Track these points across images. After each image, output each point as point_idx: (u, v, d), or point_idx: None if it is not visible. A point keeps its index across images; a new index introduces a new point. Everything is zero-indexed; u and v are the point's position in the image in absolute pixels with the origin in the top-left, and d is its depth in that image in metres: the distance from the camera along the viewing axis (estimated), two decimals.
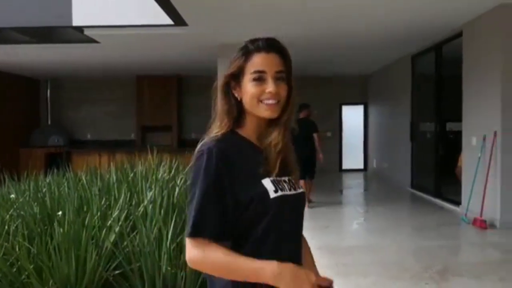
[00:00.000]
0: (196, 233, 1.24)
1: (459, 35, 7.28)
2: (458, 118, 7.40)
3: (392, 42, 8.63)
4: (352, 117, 13.68)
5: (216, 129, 1.35)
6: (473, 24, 6.74)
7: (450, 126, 9.52)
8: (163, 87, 12.90)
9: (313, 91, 13.39)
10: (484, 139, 6.36)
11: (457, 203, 7.30)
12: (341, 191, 10.27)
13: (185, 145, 12.95)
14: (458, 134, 7.63)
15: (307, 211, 1.80)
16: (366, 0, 5.96)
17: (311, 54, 10.11)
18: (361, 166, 13.68)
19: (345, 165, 13.62)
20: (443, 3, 6.06)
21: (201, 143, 1.33)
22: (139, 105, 13.04)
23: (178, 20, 6.52)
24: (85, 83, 13.63)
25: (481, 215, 6.17)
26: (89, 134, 13.86)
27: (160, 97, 12.90)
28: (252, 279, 1.21)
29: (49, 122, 13.35)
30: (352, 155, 13.64)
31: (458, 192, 7.28)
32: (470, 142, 6.85)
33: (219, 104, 1.40)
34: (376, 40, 8.52)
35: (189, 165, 1.35)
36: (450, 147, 8.97)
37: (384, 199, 8.94)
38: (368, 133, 13.59)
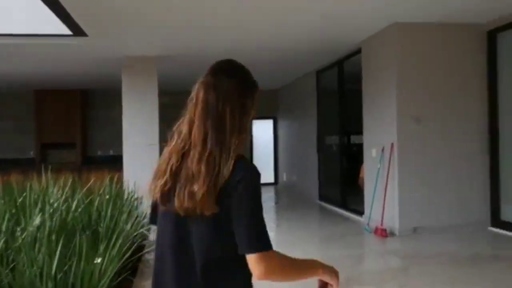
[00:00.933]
0: (270, 246, 1.32)
1: (358, 52, 7.65)
2: (361, 131, 7.74)
3: (297, 58, 8.87)
4: (262, 131, 13.86)
5: (238, 147, 1.41)
6: (370, 41, 7.11)
7: (354, 139, 9.96)
8: (65, 101, 12.19)
9: None
10: (382, 150, 6.68)
11: (361, 213, 7.58)
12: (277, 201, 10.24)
13: (91, 162, 12.32)
14: (361, 147, 7.97)
15: None
16: (270, 18, 6.07)
17: None
18: (272, 180, 13.86)
19: None
20: (343, 22, 6.33)
21: (241, 160, 1.39)
22: (39, 121, 12.19)
23: (77, 30, 6.17)
24: None
25: (381, 224, 6.45)
26: None
27: (63, 112, 12.17)
28: (310, 277, 1.42)
29: None
30: (263, 169, 13.67)
31: (362, 203, 7.57)
32: (371, 153, 7.17)
33: (248, 121, 1.47)
34: (281, 56, 8.71)
35: (239, 178, 1.34)
36: (354, 159, 9.36)
37: (294, 212, 9.08)
38: (278, 147, 13.84)
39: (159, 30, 6.49)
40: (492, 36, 6.50)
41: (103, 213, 4.57)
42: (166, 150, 1.44)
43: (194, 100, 1.42)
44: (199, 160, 1.34)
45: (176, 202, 1.34)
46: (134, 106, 8.09)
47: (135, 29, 6.36)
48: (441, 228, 6.34)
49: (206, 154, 1.35)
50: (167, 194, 1.39)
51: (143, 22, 6.05)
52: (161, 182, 1.40)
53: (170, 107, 12.49)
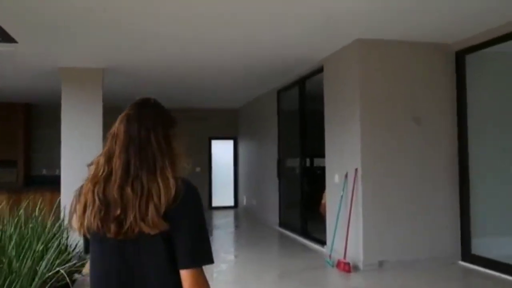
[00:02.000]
0: (212, 261, 1.43)
1: (320, 70, 7.17)
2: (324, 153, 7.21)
3: (257, 75, 8.34)
4: (222, 151, 13.25)
5: (174, 170, 1.48)
6: (332, 59, 6.64)
7: (319, 161, 9.44)
8: (7, 116, 11.22)
9: (180, 124, 12.71)
10: (346, 176, 6.15)
11: (322, 242, 7.01)
12: (211, 232, 9.53)
13: (34, 182, 11.32)
14: (325, 170, 7.44)
15: None
16: (224, 35, 5.54)
17: (174, 85, 9.48)
18: (232, 203, 13.18)
19: (215, 202, 13.01)
20: (303, 39, 5.84)
21: (182, 179, 1.48)
22: None
23: (3, 35, 5.42)
24: None
25: (344, 257, 5.87)
26: None
27: (4, 128, 11.18)
28: None
29: None
30: (222, 192, 13.10)
31: (323, 231, 7.00)
32: (333, 179, 6.64)
33: (179, 147, 1.56)
34: (240, 73, 8.17)
35: (180, 198, 1.40)
36: (316, 183, 8.83)
37: (253, 240, 8.41)
38: (238, 169, 13.20)
39: (101, 39, 5.80)
40: (460, 57, 6.14)
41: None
42: (87, 182, 1.46)
43: (114, 133, 1.49)
44: (121, 186, 1.40)
45: (112, 228, 1.39)
46: (74, 124, 7.30)
47: (71, 36, 5.64)
48: (408, 262, 5.81)
49: (130, 179, 1.41)
50: (103, 222, 1.40)
51: (81, 29, 5.35)
52: (94, 211, 1.41)
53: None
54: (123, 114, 1.52)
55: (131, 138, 1.45)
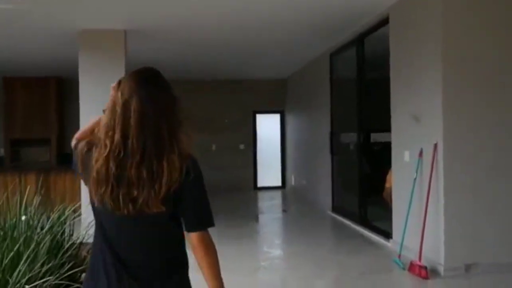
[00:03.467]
0: (213, 224, 1.61)
1: (384, 22, 5.77)
2: (385, 127, 5.88)
3: (305, 33, 7.02)
4: (268, 127, 12.06)
5: (184, 147, 1.53)
6: (402, 5, 5.23)
7: (375, 137, 8.08)
8: (39, 91, 10.52)
9: (221, 97, 11.67)
10: (420, 154, 4.81)
11: (387, 235, 5.74)
12: (256, 218, 8.41)
13: (67, 161, 10.58)
14: (385, 147, 6.11)
15: None
16: None
17: (213, 53, 8.35)
18: (279, 183, 12.03)
19: (260, 182, 11.91)
20: None
21: (186, 156, 1.51)
22: (9, 113, 10.54)
23: None
24: None
25: (419, 259, 4.57)
26: None
27: (36, 104, 10.50)
28: (215, 278, 1.57)
29: None
30: (269, 171, 11.96)
31: (388, 221, 5.72)
32: (402, 157, 5.31)
33: (179, 128, 1.55)
34: (288, 33, 6.92)
35: (184, 176, 1.50)
36: (377, 162, 7.50)
37: (301, 229, 7.22)
38: (285, 146, 11.99)
39: None
40: None
41: None
42: (101, 157, 1.46)
43: (125, 108, 1.47)
44: (138, 168, 1.45)
45: (121, 206, 1.46)
46: (93, 95, 6.30)
47: None
48: (505, 266, 4.46)
49: (145, 161, 1.45)
50: (115, 200, 1.46)
51: None
52: (107, 189, 1.46)
53: None
54: (131, 87, 1.49)
55: (147, 119, 1.46)
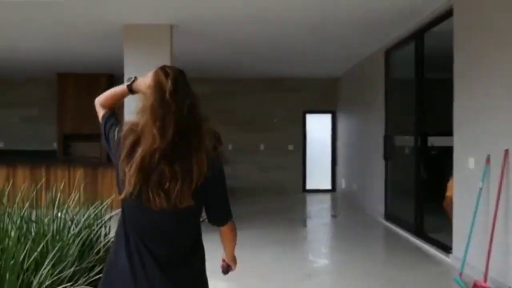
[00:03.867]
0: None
1: (447, 15, 5.25)
2: (444, 131, 5.35)
3: (360, 29, 6.59)
4: (319, 127, 11.61)
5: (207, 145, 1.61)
6: None
7: (432, 141, 7.50)
8: (89, 87, 10.60)
9: (269, 96, 11.36)
10: (488, 161, 4.28)
11: (447, 249, 5.21)
12: (303, 223, 8.02)
13: None
14: (445, 152, 5.57)
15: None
16: None
17: (262, 50, 8.07)
18: (329, 186, 11.56)
19: (309, 185, 11.48)
20: None
21: (211, 153, 1.60)
22: (61, 109, 10.73)
23: None
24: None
25: (485, 279, 4.05)
26: (2, 142, 11.49)
27: (86, 100, 10.55)
28: (231, 251, 1.97)
29: None
30: (318, 173, 11.52)
31: (448, 233, 5.20)
32: (466, 164, 4.77)
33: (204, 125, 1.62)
34: (340, 28, 6.50)
35: (211, 173, 1.59)
36: (435, 167, 6.94)
37: (351, 238, 6.77)
38: (336, 147, 11.50)
39: None
40: None
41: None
42: (148, 148, 1.51)
43: (161, 105, 1.52)
44: (173, 162, 1.52)
45: (156, 200, 1.53)
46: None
47: None
48: None
49: (179, 156, 1.53)
50: (148, 192, 1.53)
51: None
52: (146, 181, 1.52)
53: (209, 98, 10.44)
54: (164, 83, 1.56)
55: (181, 116, 1.52)
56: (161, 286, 1.60)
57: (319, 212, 9.07)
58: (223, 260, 2.00)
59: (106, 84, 10.71)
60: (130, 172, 1.51)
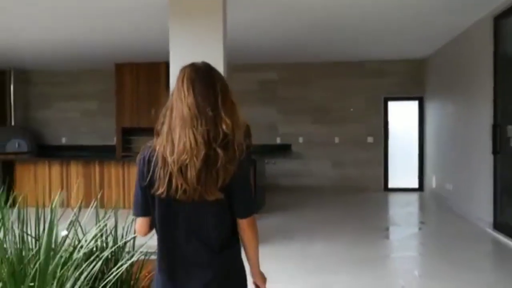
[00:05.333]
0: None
1: None
2: None
3: None
4: (403, 116, 10.07)
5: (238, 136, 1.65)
6: None
7: None
8: (148, 77, 9.89)
9: (344, 82, 10.04)
10: None
11: None
12: (386, 232, 6.62)
13: None
14: None
15: None
16: None
17: (332, 29, 6.82)
18: (415, 185, 9.98)
19: (392, 183, 10.00)
20: None
21: (242, 148, 1.61)
22: (120, 101, 10.08)
23: None
24: (59, 75, 10.92)
25: None
26: (64, 138, 11.10)
27: (145, 91, 9.88)
28: (255, 257, 1.79)
29: (13, 123, 10.68)
30: (403, 169, 10.01)
31: None
32: None
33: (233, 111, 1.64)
34: None
35: (240, 168, 1.61)
36: None
37: (449, 253, 5.34)
38: (425, 139, 9.88)
39: None
40: None
41: None
42: (183, 144, 1.57)
43: (185, 100, 1.60)
44: (202, 155, 1.56)
45: (187, 193, 1.58)
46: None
47: None
48: None
49: (207, 150, 1.56)
50: (179, 186, 1.59)
51: None
52: (177, 175, 1.58)
53: (275, 84, 9.29)
54: (188, 81, 1.60)
55: (204, 111, 1.56)
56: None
57: (405, 218, 7.62)
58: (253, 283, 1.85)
59: (166, 73, 9.91)
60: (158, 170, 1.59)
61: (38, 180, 8.22)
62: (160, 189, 1.56)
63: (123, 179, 8.02)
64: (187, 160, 1.52)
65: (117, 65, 9.95)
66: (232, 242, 1.71)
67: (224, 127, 1.55)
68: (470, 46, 7.02)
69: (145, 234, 1.74)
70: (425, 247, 5.78)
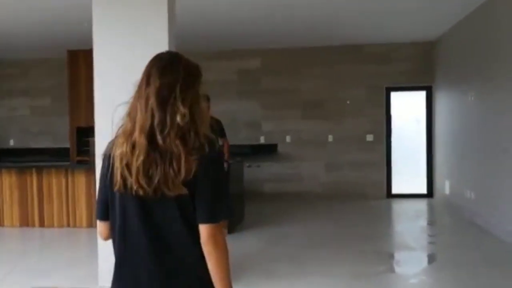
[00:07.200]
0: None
1: None
2: None
3: None
4: (408, 110, 8.66)
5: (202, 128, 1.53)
6: None
7: None
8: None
9: (338, 70, 8.62)
10: None
11: None
12: (392, 259, 5.12)
13: None
14: None
15: None
16: None
17: (321, 7, 5.37)
18: (423, 190, 8.52)
19: (396, 188, 8.55)
20: None
21: (205, 139, 1.48)
22: (74, 96, 8.50)
23: None
24: (7, 65, 9.37)
25: None
26: (13, 140, 9.55)
27: None
28: (224, 281, 1.47)
29: None
30: (408, 172, 8.63)
31: None
32: None
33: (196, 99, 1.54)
34: None
35: (202, 161, 1.45)
36: None
37: (475, 283, 3.87)
38: (434, 137, 8.40)
39: None
40: None
41: None
42: (125, 138, 1.51)
43: (144, 88, 1.53)
44: (156, 147, 1.47)
45: (143, 188, 1.45)
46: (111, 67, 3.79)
47: None
48: None
49: (162, 141, 1.47)
50: (135, 181, 1.47)
51: None
52: (131, 169, 1.47)
53: (257, 73, 7.76)
54: (146, 71, 1.53)
55: (163, 99, 1.47)
56: None
57: (414, 233, 6.14)
58: None
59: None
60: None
61: None
62: (116, 185, 1.47)
63: (66, 191, 6.50)
64: (138, 156, 1.44)
65: (70, 52, 8.38)
66: (198, 256, 1.48)
67: (178, 118, 1.44)
68: (492, 23, 5.55)
69: (107, 238, 1.59)
70: (443, 273, 4.27)
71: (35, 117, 9.38)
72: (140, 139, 1.43)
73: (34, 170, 6.61)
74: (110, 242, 1.57)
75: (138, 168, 1.43)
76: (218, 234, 1.46)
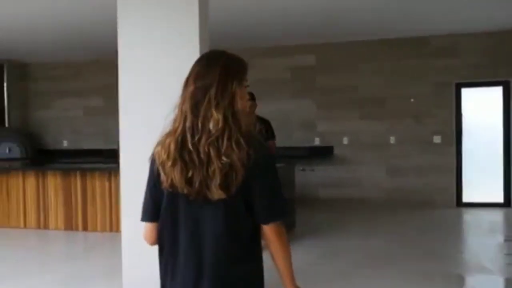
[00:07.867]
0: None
1: None
2: None
3: None
4: (482, 108, 7.76)
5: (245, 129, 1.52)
6: None
7: None
8: None
9: (399, 65, 7.96)
10: None
11: None
12: (461, 281, 4.39)
13: None
14: None
15: None
16: None
17: None
18: (500, 199, 7.60)
19: (468, 196, 7.69)
20: None
21: (252, 140, 1.47)
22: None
23: None
24: (60, 68, 9.45)
25: None
26: (66, 141, 9.60)
27: None
28: (287, 271, 1.54)
29: (6, 124, 9.30)
30: (482, 179, 7.71)
31: None
32: None
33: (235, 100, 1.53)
34: None
35: (252, 161, 1.44)
36: None
37: None
38: None
39: None
40: None
41: None
42: (169, 139, 1.54)
43: (184, 90, 1.55)
44: (196, 149, 1.50)
45: (191, 189, 1.47)
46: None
47: None
48: None
49: (202, 143, 1.48)
50: (185, 182, 1.48)
51: None
52: (179, 169, 1.48)
53: (312, 70, 7.26)
54: (191, 70, 1.54)
55: (196, 103, 1.47)
56: None
57: (490, 253, 5.32)
58: None
59: None
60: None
61: (11, 195, 6.68)
62: (165, 182, 1.48)
63: (109, 194, 6.29)
64: (168, 158, 1.46)
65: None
66: (249, 256, 1.53)
67: (211, 124, 1.44)
68: None
69: (153, 242, 1.58)
70: None
71: (87, 118, 9.38)
72: (171, 141, 1.46)
73: (78, 172, 6.46)
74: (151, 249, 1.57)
75: (171, 169, 1.45)
76: (282, 232, 1.51)
